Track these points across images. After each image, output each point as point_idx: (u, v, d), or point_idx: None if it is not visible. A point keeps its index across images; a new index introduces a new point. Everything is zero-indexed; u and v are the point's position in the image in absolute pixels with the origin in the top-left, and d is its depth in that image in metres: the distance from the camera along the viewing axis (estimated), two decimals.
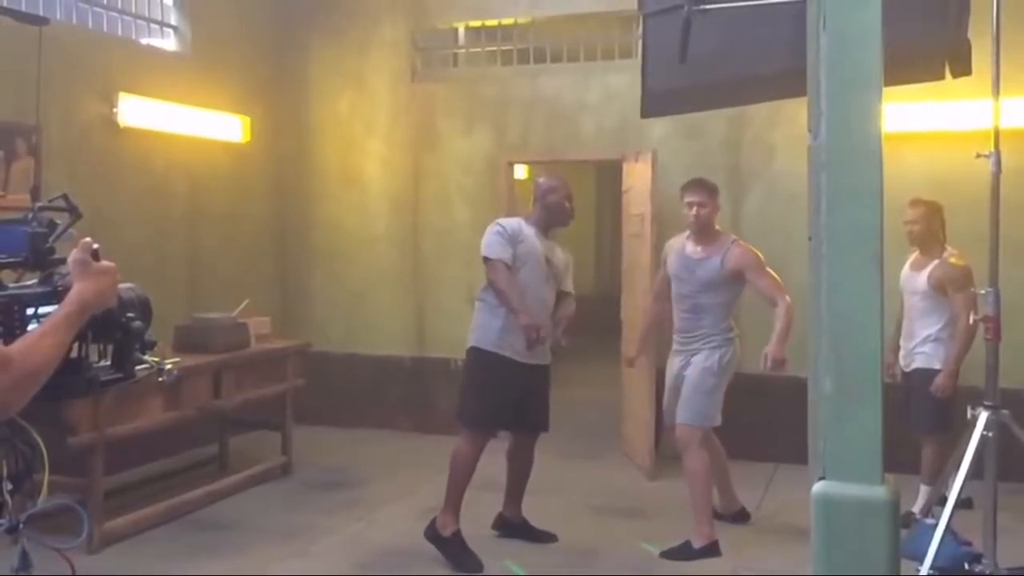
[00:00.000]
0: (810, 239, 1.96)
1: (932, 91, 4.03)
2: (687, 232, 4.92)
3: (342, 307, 7.53)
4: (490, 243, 4.66)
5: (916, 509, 4.64)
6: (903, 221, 4.98)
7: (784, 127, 6.19)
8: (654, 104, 3.30)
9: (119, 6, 6.35)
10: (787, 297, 4.54)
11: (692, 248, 4.85)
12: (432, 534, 4.64)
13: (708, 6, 2.68)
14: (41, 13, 5.71)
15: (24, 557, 1.68)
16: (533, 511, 5.35)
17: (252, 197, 7.36)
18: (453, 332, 7.19)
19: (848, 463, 1.90)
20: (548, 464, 6.42)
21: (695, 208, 4.77)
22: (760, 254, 4.78)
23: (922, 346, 4.92)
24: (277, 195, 7.59)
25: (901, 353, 5.04)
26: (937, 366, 4.84)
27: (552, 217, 4.83)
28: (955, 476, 3.58)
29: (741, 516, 5.13)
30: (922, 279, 4.93)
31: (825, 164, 1.91)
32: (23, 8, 5.57)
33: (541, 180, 4.99)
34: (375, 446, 6.79)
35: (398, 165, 7.39)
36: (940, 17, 2.87)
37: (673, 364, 4.92)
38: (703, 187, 4.85)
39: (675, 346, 4.94)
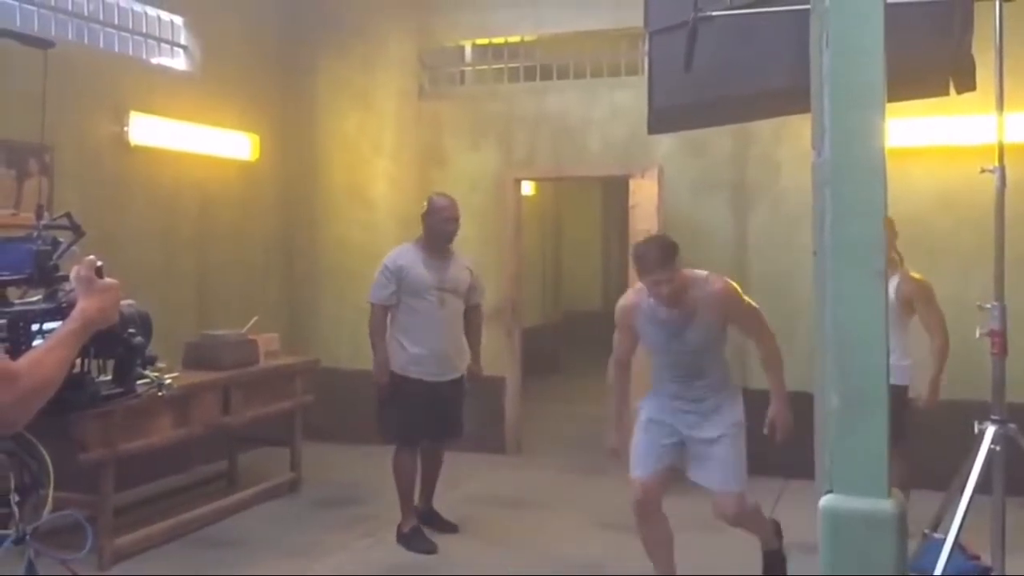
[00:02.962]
0: (815, 254, 1.98)
1: (937, 106, 4.06)
2: (642, 288, 3.92)
3: (350, 324, 7.53)
4: (373, 285, 5.11)
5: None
6: None
7: (790, 143, 6.22)
8: (660, 120, 3.32)
9: (130, 26, 6.42)
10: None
11: (667, 313, 3.87)
12: (398, 535, 5.09)
13: (713, 12, 2.71)
14: (53, 33, 5.78)
15: (30, 567, 1.70)
16: (539, 526, 5.36)
17: (260, 214, 7.40)
18: None
19: (855, 477, 1.92)
20: (554, 479, 6.44)
21: (663, 286, 3.76)
22: (734, 283, 4.03)
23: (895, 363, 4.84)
24: (285, 212, 7.63)
25: None
26: (904, 382, 4.73)
27: (433, 237, 5.10)
28: (963, 491, 3.58)
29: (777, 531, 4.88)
30: (887, 294, 4.89)
31: (829, 180, 1.93)
32: (36, 28, 5.63)
33: (430, 199, 5.22)
34: (383, 462, 6.74)
35: (405, 182, 7.43)
36: (944, 33, 2.89)
37: (673, 421, 4.00)
38: (662, 258, 3.75)
39: (673, 402, 4.00)
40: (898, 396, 4.64)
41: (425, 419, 5.07)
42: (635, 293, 4.03)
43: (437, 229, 5.07)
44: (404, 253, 5.12)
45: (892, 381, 4.65)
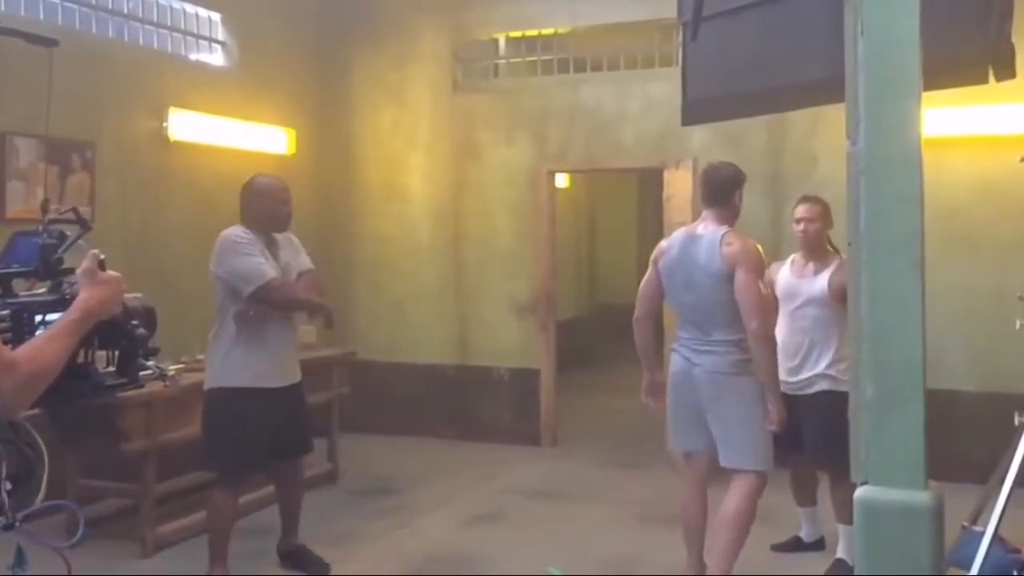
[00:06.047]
0: (850, 244, 1.97)
1: (977, 95, 4.00)
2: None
3: (385, 316, 7.61)
4: (247, 267, 4.13)
5: (840, 553, 4.41)
6: (794, 219, 4.49)
7: (826, 135, 6.15)
8: (694, 112, 3.30)
9: (169, 23, 6.51)
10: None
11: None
12: None
13: None
14: (94, 31, 5.88)
15: (20, 554, 1.72)
16: (575, 519, 5.37)
17: (297, 208, 7.35)
18: (495, 341, 7.26)
19: (891, 468, 1.91)
20: (590, 472, 6.45)
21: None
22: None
23: (829, 367, 4.30)
24: (321, 206, 7.69)
25: (786, 371, 4.32)
26: (844, 388, 4.03)
27: (267, 222, 4.28)
28: (1003, 484, 3.54)
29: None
30: (819, 285, 4.34)
31: (864, 170, 1.92)
32: (77, 26, 5.74)
33: (255, 180, 4.39)
34: (419, 454, 6.85)
35: (440, 176, 7.46)
36: (983, 19, 2.85)
37: None
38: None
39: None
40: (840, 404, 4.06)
41: (270, 440, 4.20)
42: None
43: (272, 212, 4.26)
44: (244, 233, 4.20)
45: (830, 388, 4.23)
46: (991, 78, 2.91)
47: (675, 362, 4.13)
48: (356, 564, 4.68)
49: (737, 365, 3.93)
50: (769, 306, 3.92)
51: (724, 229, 3.96)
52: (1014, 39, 2.78)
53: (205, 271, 6.35)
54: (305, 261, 4.47)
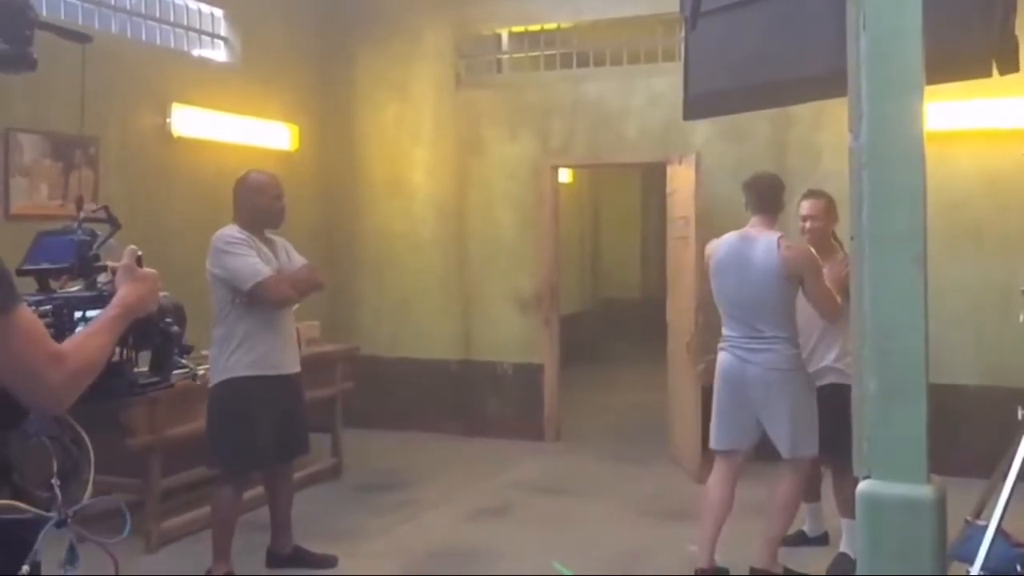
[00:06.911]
0: (852, 239, 1.96)
1: (981, 88, 4.00)
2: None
3: (389, 312, 7.62)
4: (243, 267, 4.13)
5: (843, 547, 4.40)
6: (799, 215, 4.51)
7: (830, 129, 6.15)
8: (696, 106, 3.29)
9: (172, 19, 6.52)
10: None
11: None
12: None
13: None
14: (97, 27, 5.88)
15: (72, 552, 1.72)
16: (578, 513, 5.37)
17: (301, 204, 7.44)
18: (498, 336, 7.27)
19: (893, 463, 1.90)
20: (593, 467, 6.46)
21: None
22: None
23: (837, 361, 4.31)
24: (325, 202, 7.70)
25: None
26: (849, 381, 3.98)
27: (264, 218, 4.32)
28: (1007, 478, 3.53)
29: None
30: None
31: (866, 164, 1.91)
32: (80, 22, 5.74)
33: (249, 176, 4.43)
34: (422, 449, 6.87)
35: (443, 171, 7.46)
36: (986, 12, 2.84)
37: None
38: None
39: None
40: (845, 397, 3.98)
41: (272, 432, 4.22)
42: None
43: (266, 208, 4.29)
44: (238, 233, 4.21)
45: (837, 381, 4.21)
46: (995, 72, 2.90)
47: (724, 360, 4.20)
48: (360, 560, 4.69)
49: (792, 360, 4.09)
50: (835, 298, 4.12)
51: (778, 233, 4.17)
52: (1018, 32, 2.78)
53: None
54: (299, 260, 4.48)
